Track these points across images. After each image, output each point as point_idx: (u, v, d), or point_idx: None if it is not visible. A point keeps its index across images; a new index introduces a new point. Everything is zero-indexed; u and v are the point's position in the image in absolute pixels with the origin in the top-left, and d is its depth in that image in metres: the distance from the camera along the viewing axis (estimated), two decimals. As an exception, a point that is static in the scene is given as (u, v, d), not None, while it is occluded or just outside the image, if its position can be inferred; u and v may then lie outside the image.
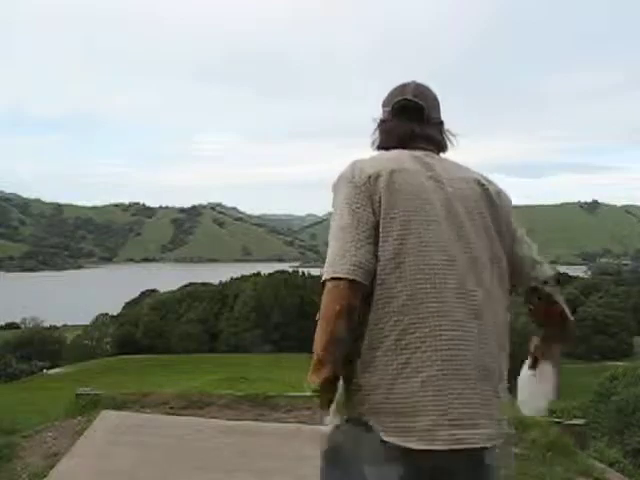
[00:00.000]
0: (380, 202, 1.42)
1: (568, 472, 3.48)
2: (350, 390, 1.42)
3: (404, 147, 1.58)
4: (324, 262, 1.42)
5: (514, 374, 1.61)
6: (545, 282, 1.60)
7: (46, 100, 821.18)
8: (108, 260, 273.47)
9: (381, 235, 1.40)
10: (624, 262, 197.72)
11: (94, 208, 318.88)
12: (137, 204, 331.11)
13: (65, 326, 75.39)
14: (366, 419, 1.38)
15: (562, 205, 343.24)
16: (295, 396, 4.87)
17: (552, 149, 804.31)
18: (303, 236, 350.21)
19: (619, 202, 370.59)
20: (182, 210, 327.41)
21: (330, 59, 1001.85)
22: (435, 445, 1.32)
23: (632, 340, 64.11)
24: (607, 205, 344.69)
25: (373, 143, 1.68)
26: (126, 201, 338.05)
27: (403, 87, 1.66)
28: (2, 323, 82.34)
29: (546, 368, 1.66)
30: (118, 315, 72.13)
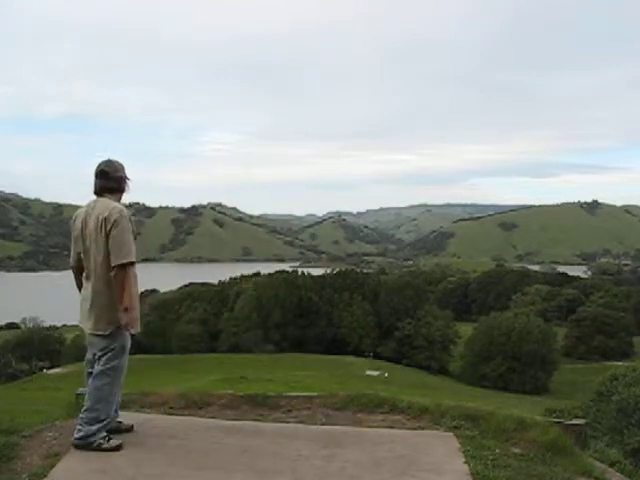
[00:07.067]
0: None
1: (568, 472, 3.48)
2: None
3: (98, 194, 3.92)
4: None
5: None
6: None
7: (46, 100, 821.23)
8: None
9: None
10: (624, 262, 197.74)
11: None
12: (137, 204, 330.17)
13: (65, 326, 75.30)
14: None
15: (562, 205, 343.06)
16: (295, 396, 4.87)
17: (552, 149, 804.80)
18: (303, 236, 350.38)
19: (619, 202, 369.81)
20: (182, 210, 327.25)
21: (333, 59, 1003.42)
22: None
23: (632, 340, 64.14)
24: (607, 205, 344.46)
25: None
26: (126, 201, 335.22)
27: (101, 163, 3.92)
28: (2, 323, 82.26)
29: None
30: (118, 315, 71.85)
